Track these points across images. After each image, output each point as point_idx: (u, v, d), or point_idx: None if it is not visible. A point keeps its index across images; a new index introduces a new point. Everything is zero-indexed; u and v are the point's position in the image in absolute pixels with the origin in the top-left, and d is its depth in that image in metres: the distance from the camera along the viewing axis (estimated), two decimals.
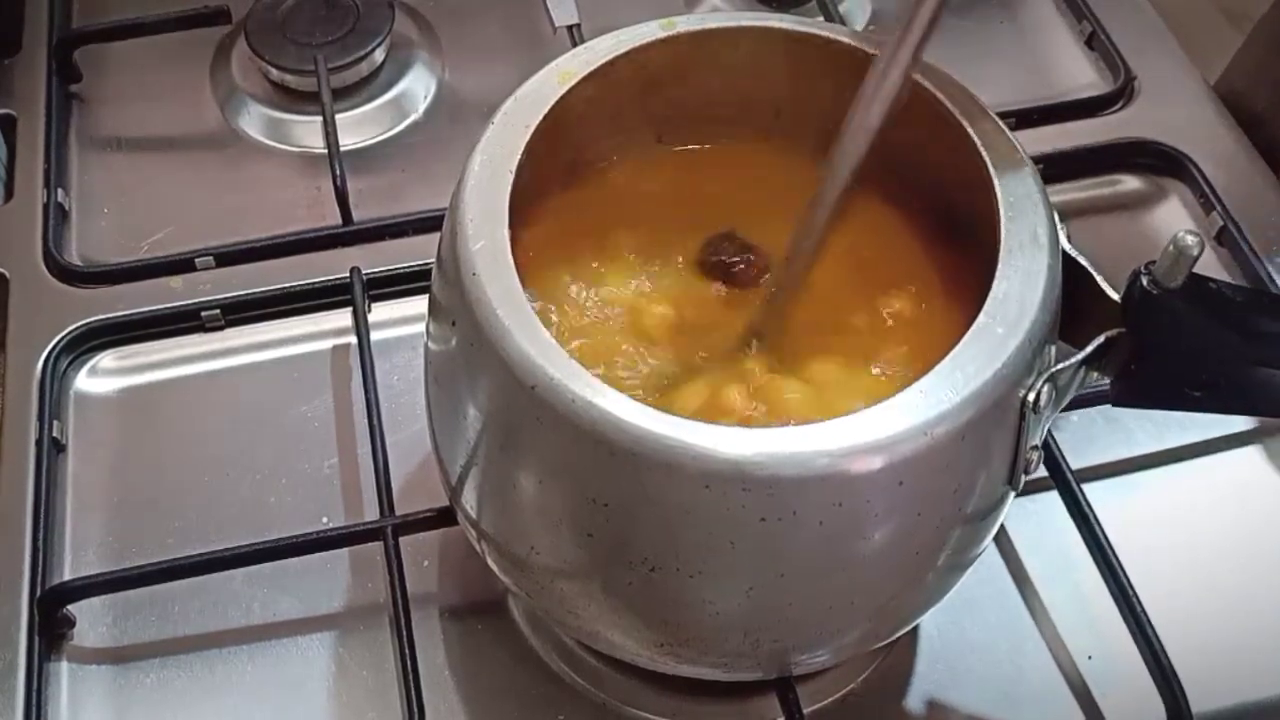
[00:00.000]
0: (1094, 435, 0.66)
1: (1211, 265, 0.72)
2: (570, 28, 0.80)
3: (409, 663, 0.57)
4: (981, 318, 0.44)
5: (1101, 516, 0.61)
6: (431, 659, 0.59)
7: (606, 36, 0.52)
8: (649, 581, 0.45)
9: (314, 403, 0.67)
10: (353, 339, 0.69)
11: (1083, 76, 0.82)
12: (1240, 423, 0.67)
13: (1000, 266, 0.45)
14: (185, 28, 0.80)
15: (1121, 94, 0.80)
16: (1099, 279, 0.47)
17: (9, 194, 0.75)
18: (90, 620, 0.60)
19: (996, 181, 0.47)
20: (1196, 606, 0.61)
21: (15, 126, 0.78)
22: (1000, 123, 0.49)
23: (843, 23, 0.80)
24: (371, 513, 0.62)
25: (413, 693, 0.56)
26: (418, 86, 0.81)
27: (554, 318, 0.51)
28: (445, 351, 0.48)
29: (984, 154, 0.48)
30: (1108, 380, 0.49)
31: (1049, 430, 0.54)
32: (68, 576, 0.61)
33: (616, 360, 0.50)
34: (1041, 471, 0.61)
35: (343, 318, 0.70)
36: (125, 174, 0.77)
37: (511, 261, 0.45)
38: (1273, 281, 0.70)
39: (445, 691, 0.58)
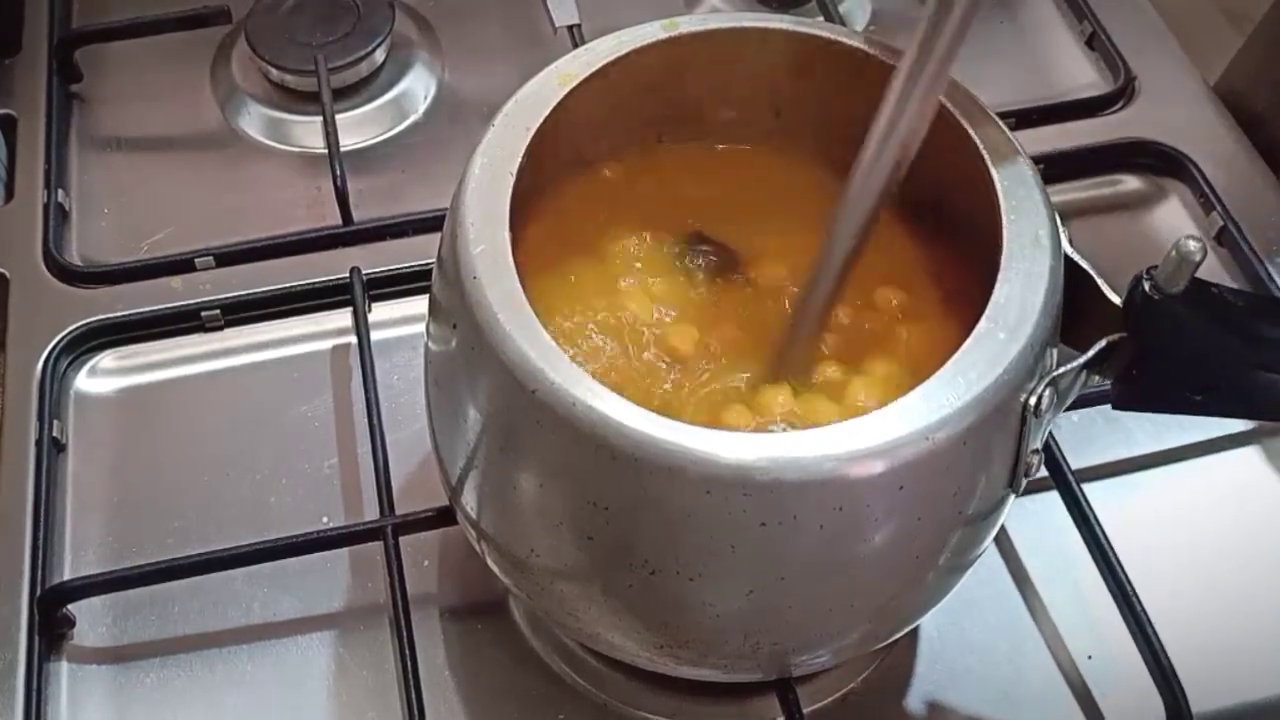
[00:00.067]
0: (1094, 436, 0.66)
1: (1212, 265, 0.72)
2: (571, 28, 0.79)
3: (409, 663, 0.57)
4: (983, 322, 0.44)
5: (1101, 516, 0.61)
6: (431, 659, 0.59)
7: (607, 37, 0.52)
8: (649, 584, 0.45)
9: (314, 403, 0.67)
10: (353, 339, 0.69)
11: (1083, 76, 0.82)
12: (1240, 423, 0.67)
13: (1002, 270, 0.45)
14: (185, 28, 0.80)
15: (1122, 94, 0.80)
16: (1100, 282, 0.47)
17: (9, 194, 0.75)
18: (90, 620, 0.60)
19: (998, 183, 0.47)
20: (1196, 606, 0.61)
21: (15, 126, 0.78)
22: (1001, 124, 0.49)
23: (843, 23, 0.80)
24: (371, 512, 0.62)
25: (413, 693, 0.56)
26: (418, 87, 0.81)
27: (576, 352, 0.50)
28: (446, 353, 0.48)
29: (985, 156, 0.48)
30: (1109, 383, 0.49)
31: (1049, 430, 0.54)
32: (68, 576, 0.61)
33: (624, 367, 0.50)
34: (1042, 472, 0.61)
35: (343, 318, 0.70)
36: (125, 174, 0.77)
37: (512, 265, 0.45)
38: (1273, 282, 0.71)
39: (445, 691, 0.58)
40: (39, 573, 0.60)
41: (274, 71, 0.79)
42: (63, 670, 0.59)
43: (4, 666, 0.58)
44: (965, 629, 0.60)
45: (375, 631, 0.60)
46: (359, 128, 0.79)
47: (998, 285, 0.45)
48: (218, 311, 0.70)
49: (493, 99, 0.52)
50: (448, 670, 0.59)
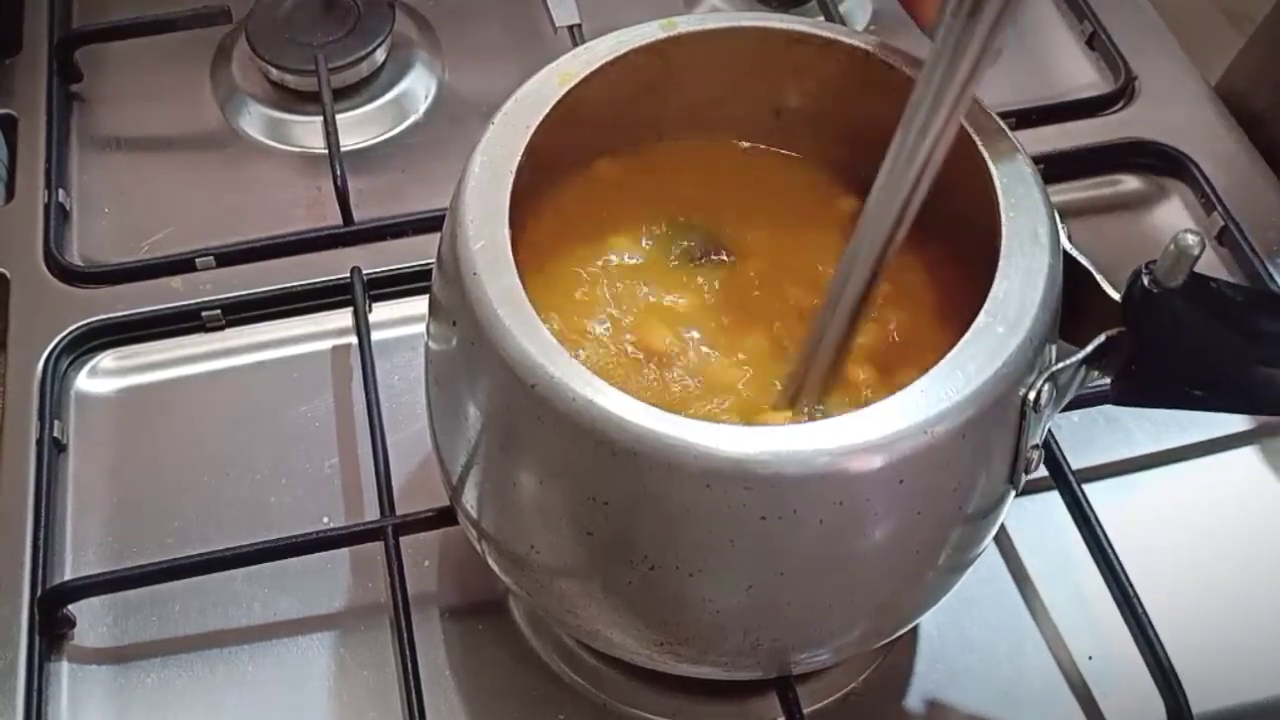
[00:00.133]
0: (1094, 435, 0.66)
1: (1212, 265, 0.72)
2: (571, 28, 0.80)
3: (409, 663, 0.57)
4: (982, 317, 0.44)
5: (1101, 516, 0.61)
6: (432, 659, 0.59)
7: (607, 37, 0.52)
8: (649, 580, 0.45)
9: (314, 403, 0.67)
10: (353, 339, 0.69)
11: (1083, 76, 0.82)
12: (1240, 423, 0.67)
13: (1001, 265, 0.45)
14: (185, 28, 0.80)
15: (1122, 94, 0.80)
16: (1099, 278, 0.47)
17: (10, 194, 0.75)
18: (90, 620, 0.60)
19: (997, 181, 0.47)
20: (1196, 606, 0.61)
21: (16, 126, 0.78)
22: (1001, 123, 0.49)
23: (843, 23, 0.80)
24: (372, 513, 0.62)
25: (413, 693, 0.56)
26: (418, 86, 0.81)
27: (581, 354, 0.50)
28: (446, 351, 0.48)
29: (984, 154, 0.48)
30: (1108, 379, 0.49)
31: (1049, 430, 0.54)
32: (68, 576, 0.61)
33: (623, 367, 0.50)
34: (1042, 471, 0.62)
35: (343, 318, 0.70)
36: (125, 174, 0.77)
37: (512, 261, 0.45)
38: (1273, 281, 0.71)
39: (445, 691, 0.58)
40: (39, 573, 0.60)
41: (274, 71, 0.79)
42: (63, 670, 0.59)
43: (4, 666, 0.58)
44: (965, 628, 0.60)
45: (376, 631, 0.60)
46: (359, 128, 0.79)
47: (996, 280, 0.45)
48: (218, 311, 0.70)
49: (493, 99, 0.52)
50: (448, 670, 0.59)
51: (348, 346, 0.69)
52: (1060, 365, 0.46)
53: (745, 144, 0.57)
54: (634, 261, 0.54)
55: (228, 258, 0.72)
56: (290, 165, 0.78)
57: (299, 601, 0.61)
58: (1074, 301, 0.47)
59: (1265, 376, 0.48)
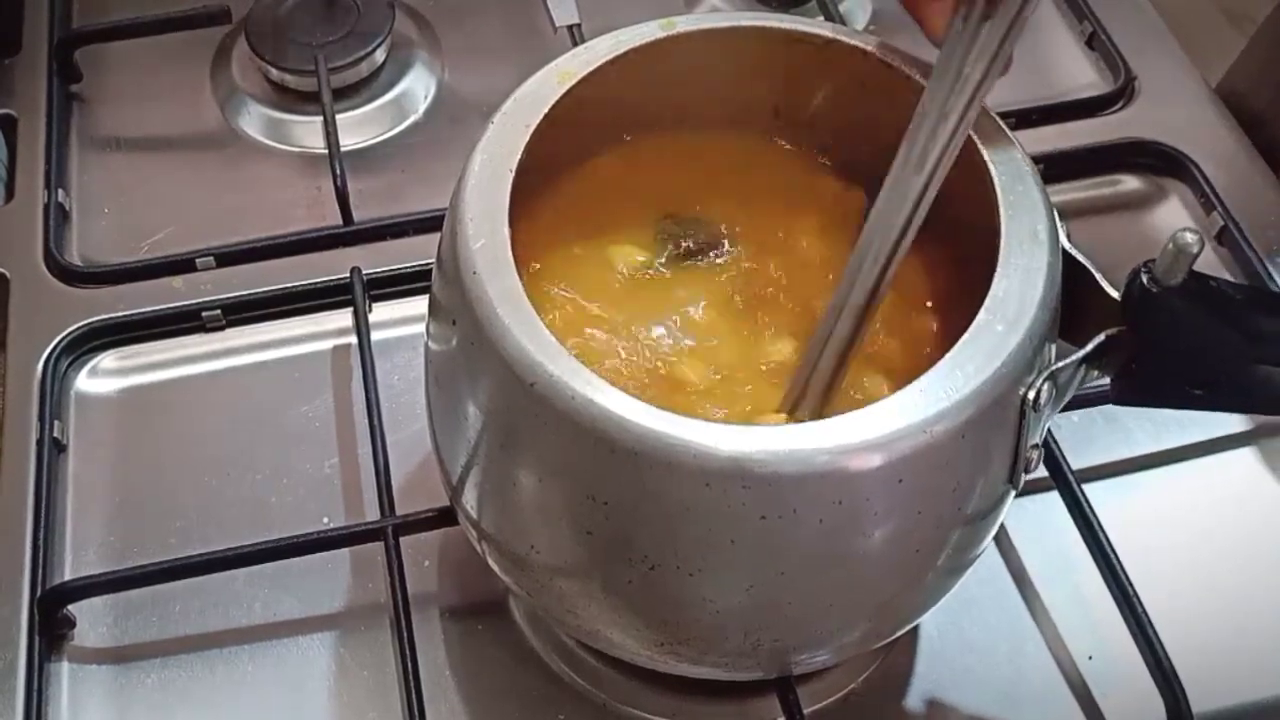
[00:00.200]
0: (1094, 435, 0.66)
1: (1212, 265, 0.72)
2: (570, 28, 0.80)
3: (409, 663, 0.57)
4: (981, 315, 0.44)
5: (1101, 516, 0.61)
6: (432, 659, 0.59)
7: (606, 36, 0.52)
8: (649, 579, 0.45)
9: (314, 403, 0.67)
10: (353, 339, 0.69)
11: (1083, 76, 0.82)
12: (1239, 423, 0.67)
13: (1000, 264, 0.45)
14: (185, 28, 0.80)
15: (1122, 94, 0.80)
16: (1099, 277, 0.47)
17: (9, 194, 0.75)
18: (91, 620, 0.60)
19: (997, 181, 0.47)
20: (1196, 606, 0.61)
21: (16, 127, 0.78)
22: (1001, 122, 0.49)
23: (843, 23, 0.80)
24: (372, 513, 0.62)
25: (413, 693, 0.56)
26: (418, 86, 0.81)
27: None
28: (445, 351, 0.48)
29: (984, 153, 0.48)
30: (1108, 379, 0.49)
31: (1049, 430, 0.54)
32: (68, 576, 0.61)
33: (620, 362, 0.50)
34: (1041, 471, 0.61)
35: (343, 318, 0.70)
36: (125, 174, 0.77)
37: (512, 260, 0.45)
38: (1273, 281, 0.71)
39: (445, 691, 0.58)
40: (39, 573, 0.60)
41: (274, 71, 0.79)
42: (63, 671, 0.59)
43: (4, 667, 0.58)
44: (965, 628, 0.60)
45: (376, 631, 0.60)
46: (359, 128, 0.79)
47: (995, 279, 0.45)
48: (218, 311, 0.70)
49: (492, 99, 0.52)
50: (448, 670, 0.59)
51: (348, 346, 0.69)
52: (1060, 364, 0.46)
53: (745, 143, 0.57)
54: (633, 260, 0.54)
55: (228, 258, 0.72)
56: (290, 165, 0.78)
57: (299, 602, 0.61)
58: (1073, 301, 0.47)
59: (1265, 376, 0.48)
